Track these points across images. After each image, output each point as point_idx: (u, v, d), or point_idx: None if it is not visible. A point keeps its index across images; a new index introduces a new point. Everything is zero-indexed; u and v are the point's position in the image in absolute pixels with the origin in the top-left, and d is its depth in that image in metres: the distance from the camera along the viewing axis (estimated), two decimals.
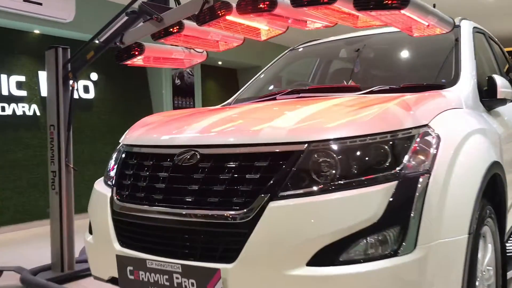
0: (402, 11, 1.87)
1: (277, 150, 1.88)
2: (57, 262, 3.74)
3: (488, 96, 2.79)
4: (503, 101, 2.83)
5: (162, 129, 2.39)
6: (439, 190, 1.84)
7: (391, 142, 1.87)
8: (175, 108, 8.18)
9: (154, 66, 3.11)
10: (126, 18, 2.90)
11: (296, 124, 1.97)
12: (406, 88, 2.67)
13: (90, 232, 2.43)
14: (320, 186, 1.80)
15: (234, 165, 1.93)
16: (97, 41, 3.08)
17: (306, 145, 1.86)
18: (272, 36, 2.93)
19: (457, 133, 2.09)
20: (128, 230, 2.16)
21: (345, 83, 3.34)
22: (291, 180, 1.82)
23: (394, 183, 1.79)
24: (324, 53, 4.02)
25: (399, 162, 1.85)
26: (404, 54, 3.47)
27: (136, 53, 2.77)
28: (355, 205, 1.75)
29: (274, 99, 3.00)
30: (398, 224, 1.74)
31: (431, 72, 3.08)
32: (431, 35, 2.40)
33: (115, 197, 2.24)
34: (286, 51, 4.16)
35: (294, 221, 1.76)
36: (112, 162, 2.53)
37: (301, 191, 1.80)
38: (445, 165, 1.90)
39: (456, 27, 3.07)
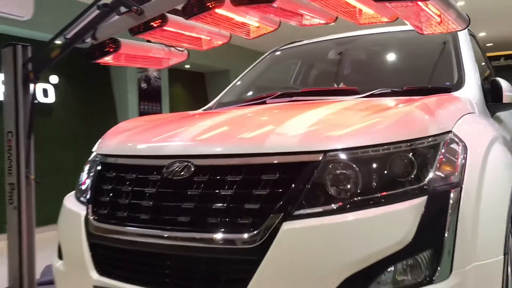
0: (429, 3, 1.64)
1: (288, 161, 1.61)
2: (15, 285, 3.32)
3: (493, 101, 2.62)
4: (509, 106, 2.67)
5: (145, 137, 2.08)
6: (472, 205, 1.62)
7: (416, 151, 1.64)
8: (141, 113, 7.78)
9: (128, 65, 2.78)
10: (97, 12, 2.55)
11: (307, 130, 1.71)
12: (409, 91, 2.46)
13: (60, 257, 2.08)
14: (340, 204, 1.54)
15: (237, 179, 1.64)
16: (63, 39, 2.72)
17: (322, 154, 1.60)
18: (261, 34, 2.67)
19: (481, 141, 1.88)
20: (108, 256, 1.83)
21: (336, 86, 3.12)
22: (306, 196, 1.55)
23: (423, 198, 1.56)
24: (309, 54, 3.79)
25: (425, 174, 1.62)
26: (396, 55, 3.28)
27: (111, 50, 2.43)
28: (383, 225, 1.51)
29: (264, 102, 2.75)
30: (431, 247, 1.52)
31: (428, 75, 2.92)
32: (442, 33, 2.19)
33: (91, 217, 1.91)
34: (268, 53, 3.91)
35: (313, 245, 1.49)
36: (84, 175, 2.19)
37: (319, 209, 1.54)
38: (475, 177, 1.69)
39: None
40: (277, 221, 1.52)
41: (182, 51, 2.79)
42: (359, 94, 2.56)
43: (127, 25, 2.34)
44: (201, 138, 1.85)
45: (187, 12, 2.14)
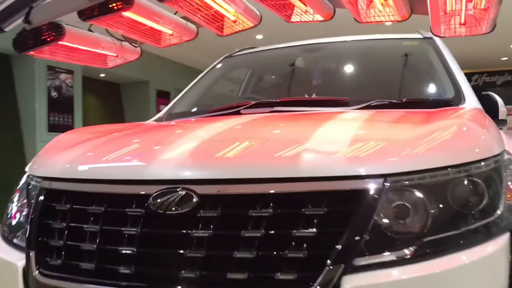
0: None
1: (338, 188, 1.17)
2: None
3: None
4: (504, 122, 2.45)
5: (111, 153, 1.51)
6: None
7: (484, 174, 1.29)
8: (51, 126, 6.85)
9: (67, 60, 2.17)
10: None
11: (350, 148, 1.28)
12: (409, 103, 2.16)
13: None
14: (414, 248, 1.13)
15: (266, 214, 1.17)
16: None
17: (381, 180, 1.18)
18: (236, 31, 2.23)
19: None
20: None
21: (307, 96, 2.75)
22: (368, 238, 1.12)
23: (507, 236, 1.21)
24: (269, 61, 3.37)
25: (498, 202, 1.27)
26: (373, 65, 2.99)
27: (51, 38, 1.83)
28: (472, 276, 1.13)
29: (237, 113, 2.29)
30: None
31: (412, 86, 2.65)
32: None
33: (35, 269, 1.32)
34: (221, 58, 3.44)
35: None
36: (13, 207, 1.58)
37: (389, 256, 1.12)
38: None
39: (428, 39, 2.73)
40: (337, 276, 1.07)
41: (136, 47, 2.24)
42: (349, 105, 2.21)
43: (75, 6, 1.76)
44: (204, 156, 1.34)
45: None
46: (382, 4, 1.75)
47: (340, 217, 1.14)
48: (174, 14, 2.06)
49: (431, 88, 2.51)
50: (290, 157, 1.24)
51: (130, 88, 9.41)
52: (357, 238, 1.11)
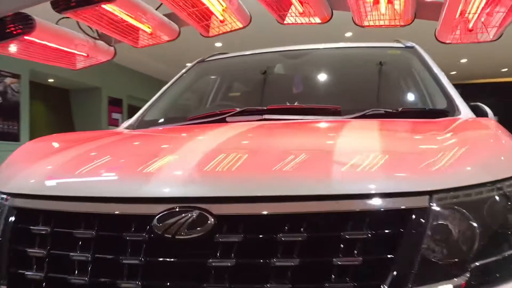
0: None
1: (380, 208, 1.01)
2: None
3: None
4: None
5: (101, 165, 1.28)
6: None
7: None
8: None
9: (31, 58, 1.90)
10: None
11: (387, 161, 1.13)
12: (405, 112, 2.06)
13: None
14: (467, 275, 0.99)
15: (298, 239, 0.99)
16: None
17: (427, 197, 1.03)
18: (223, 32, 2.04)
19: None
20: None
21: (288, 104, 2.60)
22: (419, 265, 0.97)
23: None
24: (244, 67, 3.19)
25: None
26: (356, 74, 2.88)
27: (18, 31, 1.58)
28: None
29: (223, 120, 2.10)
30: None
31: (404, 97, 2.58)
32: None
33: None
34: (193, 63, 3.23)
35: None
36: None
37: (445, 286, 0.97)
38: None
39: (410, 48, 2.68)
40: None
41: (111, 45, 2.01)
42: (341, 114, 2.08)
43: None
44: (218, 169, 1.14)
45: None
46: (393, 4, 1.62)
47: (386, 241, 0.98)
48: (156, 9, 1.85)
49: (423, 98, 2.43)
50: (324, 172, 1.07)
51: (81, 94, 8.95)
52: (408, 265, 0.96)
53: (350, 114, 2.02)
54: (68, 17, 1.70)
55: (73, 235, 1.08)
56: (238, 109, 2.16)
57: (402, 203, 1.01)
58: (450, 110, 2.16)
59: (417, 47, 2.76)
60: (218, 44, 8.04)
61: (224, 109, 2.20)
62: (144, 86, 9.78)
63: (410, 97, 2.48)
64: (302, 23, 1.90)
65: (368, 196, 1.01)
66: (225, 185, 1.07)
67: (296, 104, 2.55)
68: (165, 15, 1.95)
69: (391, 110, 2.06)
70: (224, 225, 1.01)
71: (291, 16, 1.87)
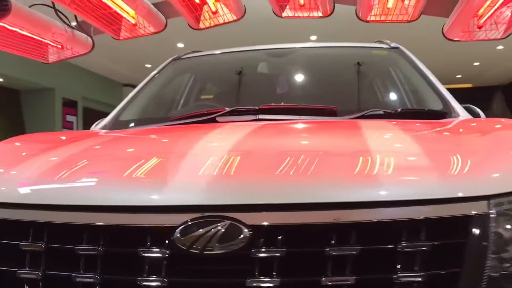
0: None
1: (440, 215, 0.89)
2: None
3: None
4: None
5: (103, 167, 1.09)
6: None
7: None
8: None
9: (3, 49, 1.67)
10: None
11: (437, 163, 1.00)
12: (404, 113, 1.98)
13: None
14: None
15: (350, 252, 0.85)
16: None
17: (485, 202, 0.92)
18: (215, 25, 1.88)
19: None
20: None
21: (273, 104, 2.47)
22: (488, 278, 0.86)
23: None
24: (220, 66, 3.03)
25: None
26: (345, 74, 2.78)
27: None
28: None
29: (213, 120, 1.94)
30: None
31: (397, 97, 2.52)
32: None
33: None
34: (168, 61, 3.04)
35: None
36: None
37: None
38: None
39: (395, 49, 2.65)
40: None
41: (90, 36, 1.81)
42: (337, 115, 1.97)
43: None
44: (247, 173, 0.98)
45: None
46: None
47: (449, 253, 0.86)
48: None
49: (418, 99, 2.37)
50: (374, 176, 0.94)
51: (32, 95, 8.46)
52: (477, 279, 0.84)
53: (348, 115, 1.92)
54: (43, 4, 1.49)
55: (75, 252, 0.90)
56: (227, 109, 2.01)
57: (460, 210, 0.90)
58: (447, 111, 2.10)
59: (402, 48, 2.71)
60: (180, 45, 7.81)
61: (207, 109, 2.05)
62: (101, 87, 9.40)
63: (405, 98, 2.42)
64: (301, 17, 1.77)
65: (422, 202, 0.89)
66: (260, 191, 0.91)
67: (282, 104, 2.43)
68: (153, 4, 1.77)
69: (390, 111, 1.98)
70: (260, 237, 0.86)
71: (290, 9, 1.74)
